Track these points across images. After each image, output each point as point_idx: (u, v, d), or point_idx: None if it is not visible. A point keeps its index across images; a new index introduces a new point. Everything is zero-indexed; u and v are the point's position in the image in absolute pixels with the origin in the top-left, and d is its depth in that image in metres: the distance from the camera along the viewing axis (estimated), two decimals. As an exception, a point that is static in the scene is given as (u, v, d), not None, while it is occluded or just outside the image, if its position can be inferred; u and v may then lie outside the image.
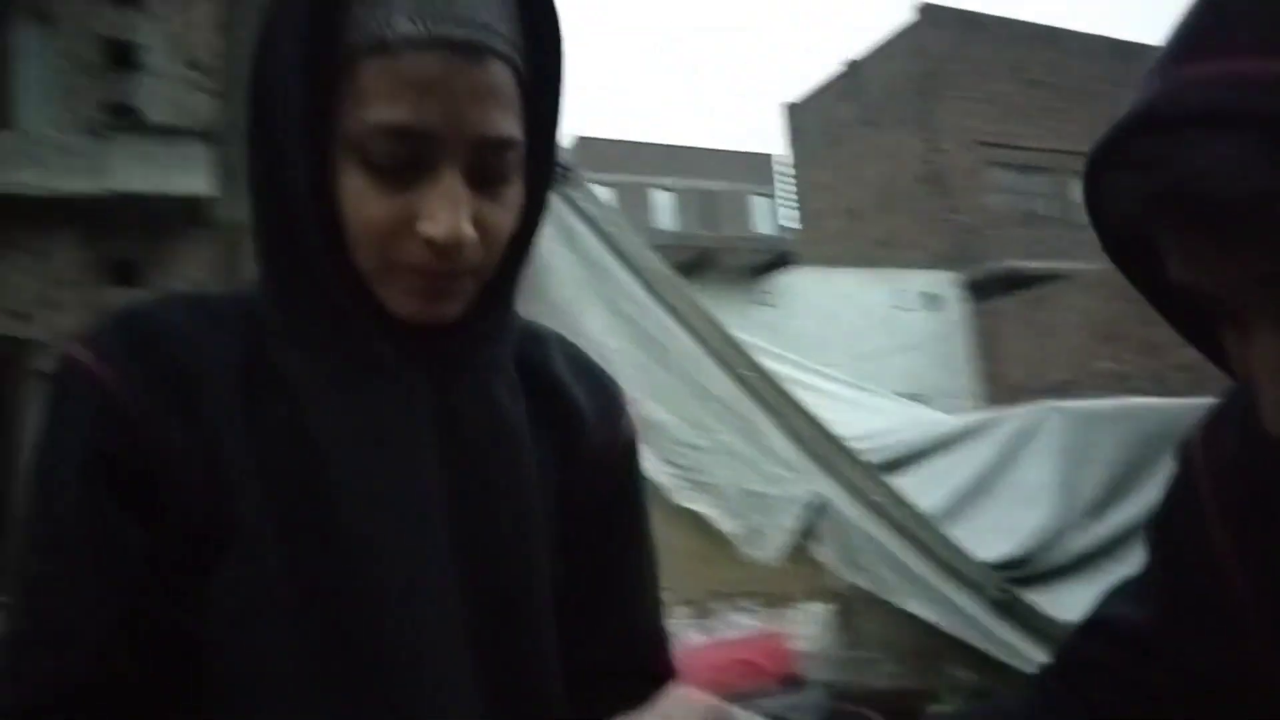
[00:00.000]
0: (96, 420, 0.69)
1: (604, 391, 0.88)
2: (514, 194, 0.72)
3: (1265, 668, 0.70)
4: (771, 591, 4.27)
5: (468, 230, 0.67)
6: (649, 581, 0.91)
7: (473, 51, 0.66)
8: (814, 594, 3.31)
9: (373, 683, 0.70)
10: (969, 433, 2.48)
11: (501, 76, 0.68)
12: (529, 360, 0.82)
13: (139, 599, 0.68)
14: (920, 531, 1.84)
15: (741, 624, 4.92)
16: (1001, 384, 14.98)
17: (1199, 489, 0.74)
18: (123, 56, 12.08)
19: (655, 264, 1.74)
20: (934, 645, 1.86)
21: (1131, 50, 20.18)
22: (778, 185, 26.17)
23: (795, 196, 23.40)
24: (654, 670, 0.89)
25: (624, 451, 0.88)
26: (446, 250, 0.67)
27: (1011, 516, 2.26)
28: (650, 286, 1.71)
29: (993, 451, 2.38)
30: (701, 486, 1.66)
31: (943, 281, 17.37)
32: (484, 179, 0.69)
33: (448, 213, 0.66)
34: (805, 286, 16.78)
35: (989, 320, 16.40)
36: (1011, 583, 2.16)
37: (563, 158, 1.77)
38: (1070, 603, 2.20)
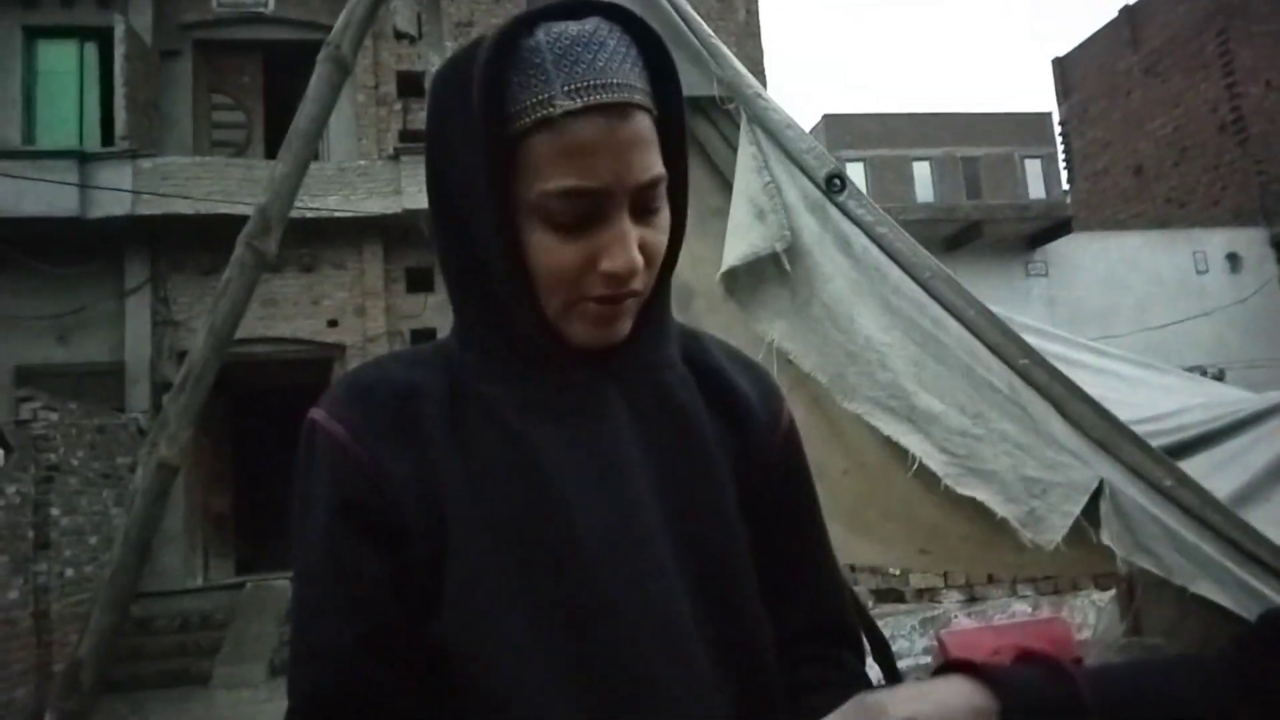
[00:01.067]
0: (336, 470, 0.81)
1: (762, 379, 0.98)
2: (665, 218, 0.84)
3: None
4: (1051, 577, 4.13)
5: (639, 261, 0.79)
6: (828, 549, 0.99)
7: (622, 110, 0.77)
8: (1095, 580, 3.20)
9: (610, 659, 0.77)
10: (1269, 412, 2.34)
11: (644, 124, 0.79)
12: (692, 356, 0.93)
13: (382, 617, 0.78)
14: (1213, 516, 1.79)
15: (1019, 611, 4.80)
16: (1323, 351, 13.31)
17: None
18: (412, 87, 13.32)
19: (928, 260, 1.82)
20: (1225, 632, 1.80)
21: None
22: (1051, 148, 24.42)
23: (1066, 157, 21.75)
24: (843, 632, 0.97)
25: (788, 430, 0.97)
26: (624, 280, 0.79)
27: (1323, 499, 2.13)
28: (923, 283, 1.79)
29: (1302, 430, 2.24)
30: (978, 474, 1.71)
31: (1248, 240, 15.58)
32: (643, 212, 0.80)
33: (623, 250, 0.78)
34: (1085, 253, 15.61)
35: (1305, 280, 14.58)
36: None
37: (836, 169, 1.89)
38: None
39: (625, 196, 0.78)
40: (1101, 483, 1.75)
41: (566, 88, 0.75)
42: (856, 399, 1.78)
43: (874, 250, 1.81)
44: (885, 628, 4.89)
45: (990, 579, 6.94)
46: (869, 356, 1.78)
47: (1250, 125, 16.81)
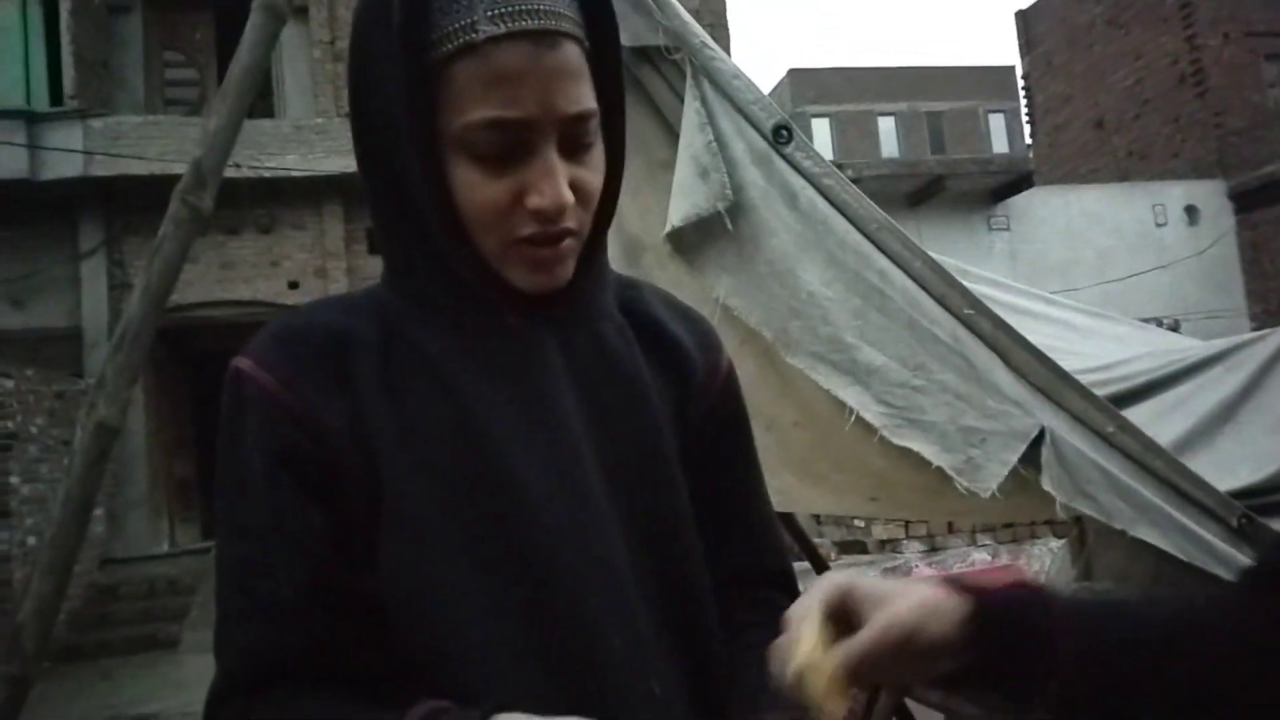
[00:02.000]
0: (270, 421, 0.77)
1: (700, 328, 0.98)
2: (598, 156, 0.81)
3: None
4: (1010, 525, 4.21)
5: (568, 196, 0.76)
6: (765, 496, 1.00)
7: (549, 38, 0.74)
8: (1053, 528, 3.26)
9: (551, 608, 0.77)
10: (1214, 359, 2.38)
11: (573, 54, 0.76)
12: (629, 306, 0.92)
13: (325, 569, 0.76)
14: (1153, 461, 1.83)
15: (979, 559, 4.89)
16: (1275, 302, 13.54)
17: None
18: (369, 40, 13.04)
19: (874, 212, 1.81)
20: (1170, 575, 1.85)
21: None
22: (1010, 102, 24.48)
23: (1029, 111, 21.83)
24: (777, 575, 0.99)
25: (726, 379, 0.97)
26: (553, 217, 0.76)
27: (1258, 444, 2.17)
28: (869, 235, 1.79)
29: (1240, 377, 2.28)
30: (917, 424, 1.73)
31: (1206, 192, 15.78)
32: (573, 148, 0.77)
33: (551, 185, 0.75)
34: (1046, 207, 15.73)
35: (1260, 233, 14.79)
36: (1263, 510, 2.09)
37: (782, 120, 1.88)
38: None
39: (553, 129, 0.75)
40: (1043, 430, 1.78)
41: (490, 12, 0.72)
42: (799, 353, 1.79)
43: (820, 203, 1.81)
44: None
45: (950, 529, 7.06)
46: (811, 311, 1.78)
47: (1209, 77, 16.93)
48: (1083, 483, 1.81)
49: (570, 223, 0.78)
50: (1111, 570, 3.16)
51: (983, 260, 13.42)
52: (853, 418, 1.78)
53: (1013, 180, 15.49)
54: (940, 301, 1.77)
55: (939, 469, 1.75)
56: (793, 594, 0.99)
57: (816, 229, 1.80)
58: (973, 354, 1.75)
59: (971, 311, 1.79)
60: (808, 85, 25.30)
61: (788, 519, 3.54)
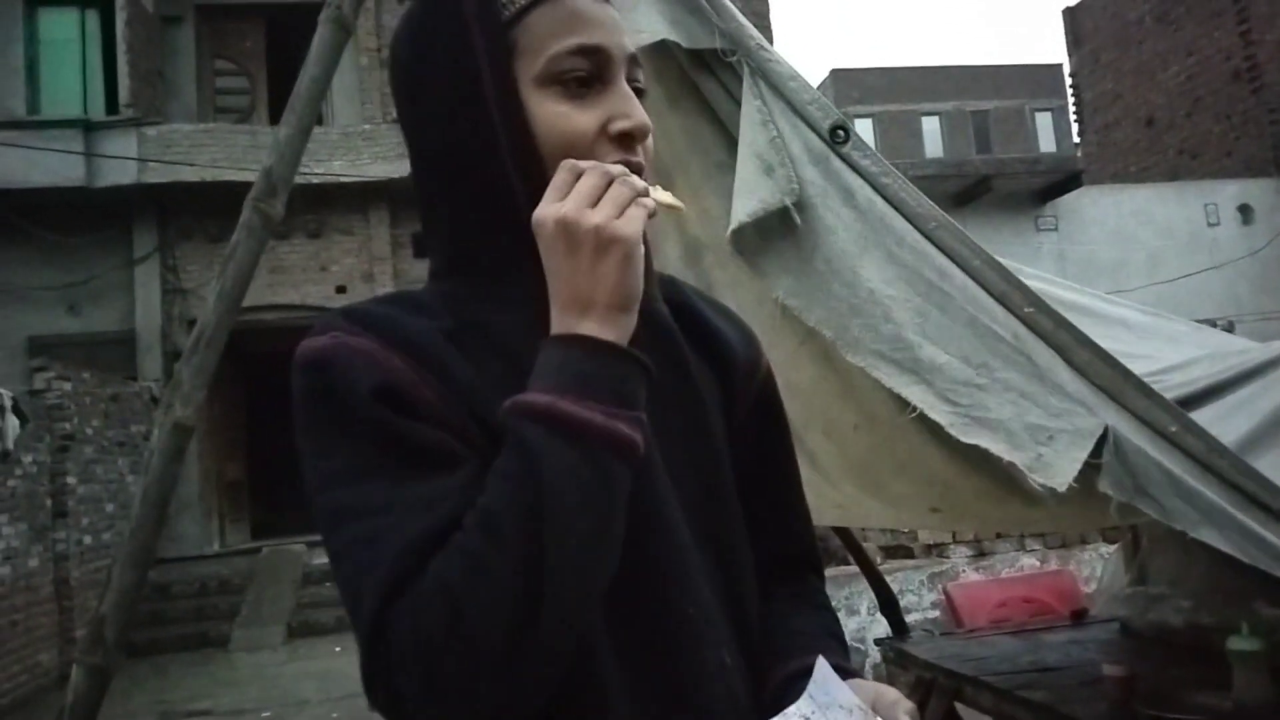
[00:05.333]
0: (372, 370, 0.72)
1: (739, 324, 1.01)
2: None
3: None
4: (1059, 531, 4.17)
5: (647, 118, 0.82)
6: (799, 484, 1.03)
7: None
8: (1103, 534, 3.23)
9: (630, 577, 0.75)
10: (1277, 360, 2.34)
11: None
12: (670, 298, 0.94)
13: (457, 509, 0.68)
14: (1218, 461, 1.80)
15: (1027, 565, 4.84)
16: (1336, 302, 13.21)
17: None
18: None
19: (932, 210, 1.81)
20: (1229, 579, 1.82)
21: None
22: (1059, 100, 24.11)
23: (1076, 110, 21.50)
24: (810, 560, 1.03)
25: (767, 373, 1.00)
26: (639, 140, 0.81)
27: (1325, 447, 2.14)
28: (928, 233, 1.79)
29: (1303, 380, 2.25)
30: (983, 423, 1.72)
31: (1260, 190, 15.42)
32: (633, 91, 0.84)
33: (633, 108, 0.81)
34: (1095, 207, 15.48)
35: (1319, 231, 14.44)
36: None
37: (839, 120, 1.89)
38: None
39: (622, 67, 0.82)
40: (1106, 429, 1.76)
41: None
42: (861, 352, 1.79)
43: (879, 202, 1.81)
44: (894, 583, 4.94)
45: (998, 535, 6.97)
46: (872, 310, 1.78)
47: (1264, 73, 16.55)
48: (1145, 483, 1.79)
49: (643, 155, 0.83)
50: (1165, 575, 3.14)
51: (1031, 261, 13.24)
52: (915, 415, 1.78)
53: (1061, 180, 15.27)
54: (1001, 300, 1.77)
55: (1005, 470, 1.74)
56: (821, 576, 1.05)
57: (875, 228, 1.80)
58: (1035, 352, 1.74)
59: (1032, 309, 1.78)
60: (851, 86, 25.15)
61: (843, 532, 3.53)
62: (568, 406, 0.69)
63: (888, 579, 3.96)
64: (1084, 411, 1.76)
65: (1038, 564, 5.64)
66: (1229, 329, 9.76)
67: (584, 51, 0.80)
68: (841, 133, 1.88)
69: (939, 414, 1.73)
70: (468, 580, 0.65)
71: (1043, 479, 1.68)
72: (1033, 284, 2.55)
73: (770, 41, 2.02)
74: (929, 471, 1.97)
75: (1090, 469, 1.78)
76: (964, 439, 1.71)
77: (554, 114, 0.80)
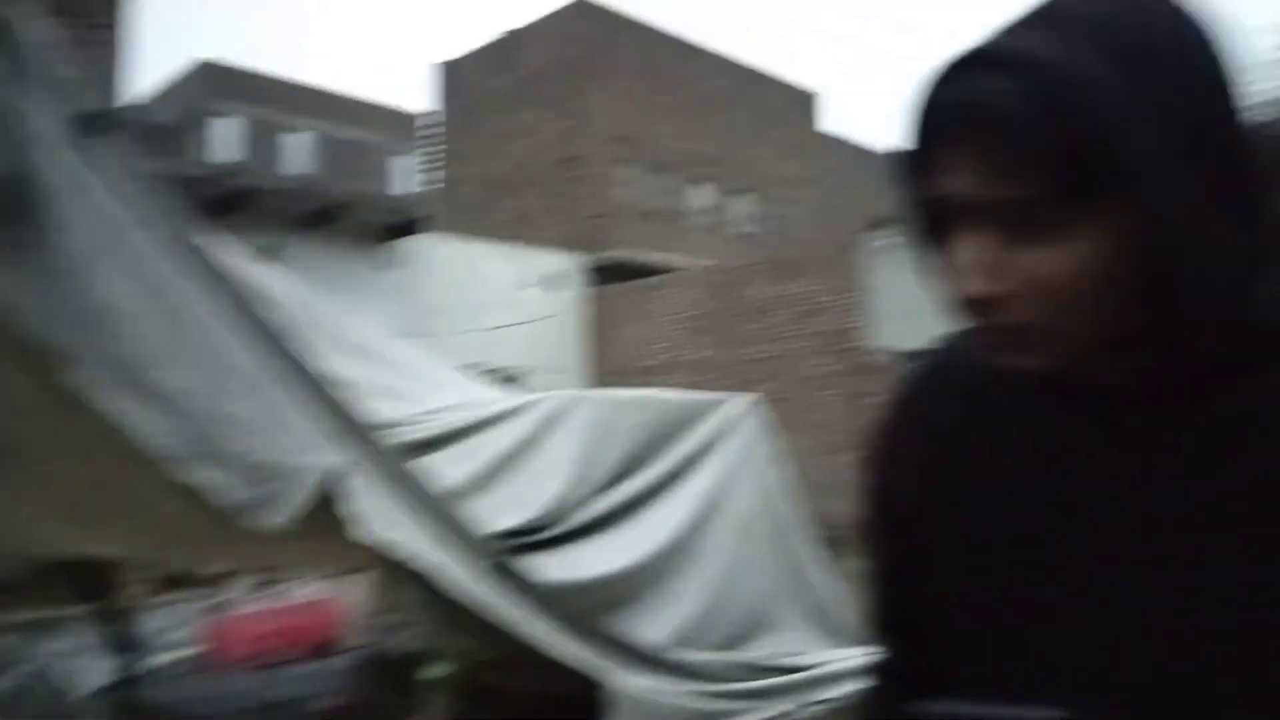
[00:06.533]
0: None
1: None
2: None
3: None
4: (309, 566, 4.28)
5: None
6: None
7: None
8: (366, 563, 3.40)
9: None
10: (511, 412, 2.70)
11: None
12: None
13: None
14: (432, 503, 2.00)
15: (301, 594, 4.88)
16: (606, 365, 15.99)
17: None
18: None
19: (186, 230, 1.73)
20: (463, 615, 2.03)
21: (754, 75, 22.27)
22: (418, 147, 25.68)
23: (436, 161, 23.12)
24: None
25: None
26: None
27: (535, 487, 2.51)
28: (178, 253, 1.70)
29: (526, 429, 2.62)
30: (211, 458, 1.67)
31: (565, 264, 18.10)
32: None
33: None
34: (437, 253, 16.69)
35: (602, 305, 17.42)
36: (527, 547, 2.40)
37: (107, 110, 1.70)
38: (579, 562, 2.50)
39: None
40: (339, 471, 1.84)
41: None
42: (83, 369, 1.62)
43: (128, 210, 1.67)
44: (168, 616, 4.61)
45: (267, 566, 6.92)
46: (104, 324, 1.63)
47: (582, 167, 19.56)
48: (375, 523, 1.90)
49: None
50: (414, 604, 3.39)
51: (375, 295, 13.75)
52: (140, 446, 1.65)
53: (409, 221, 16.14)
54: (247, 334, 1.75)
55: (227, 509, 1.70)
56: None
57: (121, 236, 1.66)
58: (272, 390, 1.75)
59: (279, 348, 1.79)
60: (221, 81, 23.82)
61: (84, 567, 3.15)
62: None
63: (162, 611, 3.67)
64: (316, 451, 1.81)
65: (310, 594, 5.63)
66: (518, 380, 11.18)
67: None
68: (100, 122, 1.71)
69: (163, 447, 1.63)
70: None
71: (261, 518, 1.69)
72: (342, 325, 2.59)
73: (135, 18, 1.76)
74: (154, 506, 1.86)
75: (320, 506, 1.84)
76: (184, 476, 1.64)
77: None
